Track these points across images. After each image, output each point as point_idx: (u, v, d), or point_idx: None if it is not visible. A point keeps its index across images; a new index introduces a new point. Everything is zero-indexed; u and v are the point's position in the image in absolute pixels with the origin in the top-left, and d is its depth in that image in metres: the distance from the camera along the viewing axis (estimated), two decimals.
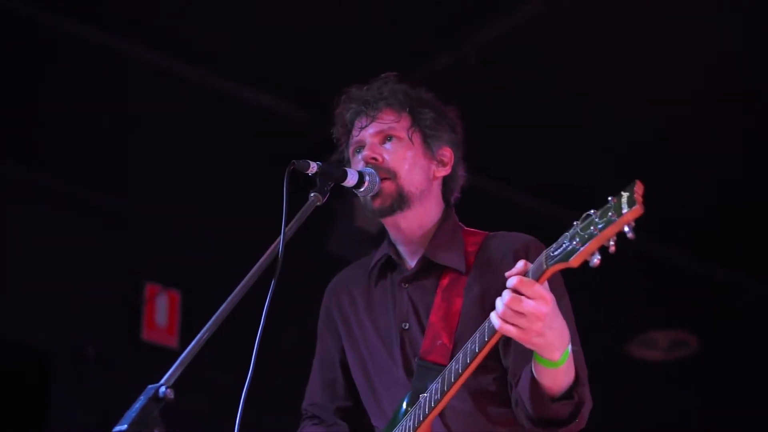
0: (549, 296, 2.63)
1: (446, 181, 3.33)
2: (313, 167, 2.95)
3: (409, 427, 2.98)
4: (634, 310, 7.82)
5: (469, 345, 2.83)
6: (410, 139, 3.23)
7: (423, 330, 3.15)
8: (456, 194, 3.36)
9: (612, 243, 2.46)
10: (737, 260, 7.73)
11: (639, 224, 2.42)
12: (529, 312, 2.61)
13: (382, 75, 3.32)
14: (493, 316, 2.68)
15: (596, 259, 2.49)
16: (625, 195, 2.42)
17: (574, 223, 2.53)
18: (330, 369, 3.40)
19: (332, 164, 3.12)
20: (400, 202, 3.17)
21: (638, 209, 2.39)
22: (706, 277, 7.97)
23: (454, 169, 3.32)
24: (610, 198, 2.46)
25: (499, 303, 2.65)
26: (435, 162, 3.28)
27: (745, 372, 7.97)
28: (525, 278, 2.62)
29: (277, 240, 2.74)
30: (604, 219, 2.44)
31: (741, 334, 7.90)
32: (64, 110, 6.13)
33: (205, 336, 2.46)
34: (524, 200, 7.43)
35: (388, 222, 3.25)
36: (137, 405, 2.19)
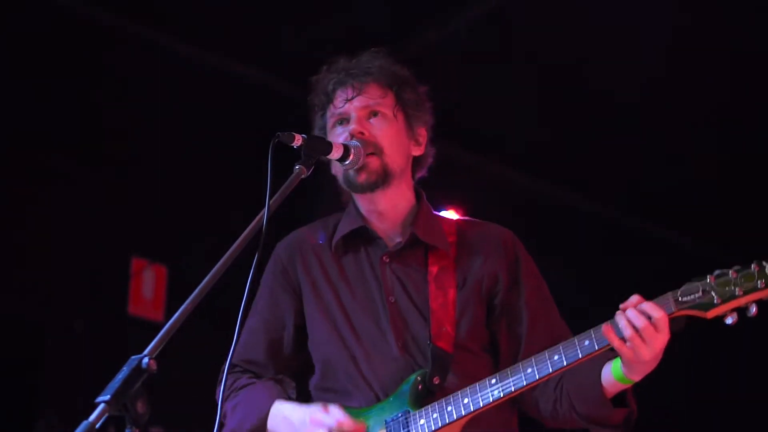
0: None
1: (416, 160, 3.36)
2: (298, 140, 2.94)
3: (436, 419, 3.02)
4: (620, 284, 7.84)
5: (551, 356, 2.92)
6: (395, 117, 3.25)
7: (417, 309, 3.18)
8: (423, 173, 3.40)
9: (754, 308, 2.71)
10: (723, 234, 7.76)
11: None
12: (654, 340, 2.78)
13: (371, 50, 3.32)
14: (611, 335, 2.82)
15: (732, 319, 2.73)
16: None
17: (707, 277, 2.76)
18: (279, 330, 3.30)
19: (318, 137, 3.12)
20: (384, 178, 3.20)
21: None
22: (692, 251, 8.00)
23: (426, 148, 3.36)
24: (752, 265, 2.72)
25: (623, 321, 2.80)
26: (413, 141, 3.32)
27: (733, 346, 8.00)
28: (660, 306, 2.79)
29: (262, 212, 2.74)
30: (749, 284, 2.71)
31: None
32: (52, 83, 6.11)
33: (189, 308, 2.45)
34: (509, 173, 7.45)
35: (366, 198, 3.26)
36: (120, 376, 2.18)
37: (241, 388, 3.25)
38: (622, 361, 2.88)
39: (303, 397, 3.29)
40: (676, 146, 6.90)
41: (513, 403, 3.20)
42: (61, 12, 5.85)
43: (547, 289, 3.30)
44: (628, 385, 2.94)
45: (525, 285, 3.25)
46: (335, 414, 3.01)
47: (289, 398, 3.20)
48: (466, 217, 3.46)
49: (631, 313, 2.80)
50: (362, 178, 3.18)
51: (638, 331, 2.78)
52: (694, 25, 5.87)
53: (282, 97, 6.47)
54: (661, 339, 2.79)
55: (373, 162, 3.18)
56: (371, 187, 3.20)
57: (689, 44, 5.99)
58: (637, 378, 2.91)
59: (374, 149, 3.19)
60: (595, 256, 7.66)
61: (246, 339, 3.32)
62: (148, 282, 6.94)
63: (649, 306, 2.80)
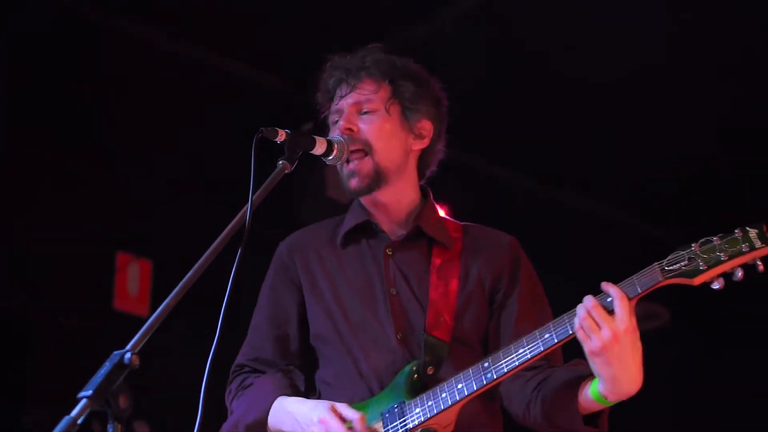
0: (630, 322, 2.77)
1: (423, 155, 3.33)
2: (282, 135, 2.93)
3: (431, 406, 2.99)
4: (604, 281, 7.83)
5: (542, 334, 2.88)
6: (387, 111, 3.21)
7: (417, 300, 3.18)
8: (432, 168, 3.37)
9: (740, 272, 2.71)
10: (710, 232, 7.75)
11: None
12: (607, 326, 2.75)
13: (369, 45, 3.30)
14: (576, 321, 2.77)
15: (719, 284, 2.72)
16: (754, 231, 2.71)
17: (691, 245, 2.77)
18: (283, 325, 3.30)
19: (302, 132, 3.11)
20: (378, 179, 3.19)
21: None
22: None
23: (432, 142, 3.32)
24: (736, 230, 2.73)
25: (581, 309, 2.77)
26: (412, 135, 3.27)
27: (716, 343, 8.02)
28: (622, 291, 2.79)
29: (245, 207, 2.74)
30: (734, 248, 2.70)
31: (712, 306, 7.93)
32: (38, 76, 6.09)
33: (172, 303, 2.45)
34: (497, 172, 7.45)
35: (365, 199, 3.27)
36: (102, 371, 2.17)
37: (248, 386, 3.26)
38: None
39: (311, 388, 3.31)
40: (679, 144, 6.88)
41: (496, 412, 3.21)
42: (62, 12, 5.83)
43: (542, 291, 3.28)
44: (604, 407, 2.90)
45: (521, 284, 3.24)
46: (348, 414, 2.98)
47: (295, 389, 3.19)
48: (469, 223, 3.41)
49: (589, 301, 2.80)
50: (354, 184, 3.19)
51: (590, 314, 2.77)
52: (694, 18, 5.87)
53: (269, 93, 6.47)
54: (614, 325, 2.76)
55: (365, 165, 3.17)
56: (365, 191, 3.20)
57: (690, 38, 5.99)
58: (611, 397, 2.84)
59: (363, 146, 3.17)
60: (595, 256, 7.67)
61: (252, 337, 3.35)
62: (133, 277, 6.93)
63: (608, 285, 2.82)
